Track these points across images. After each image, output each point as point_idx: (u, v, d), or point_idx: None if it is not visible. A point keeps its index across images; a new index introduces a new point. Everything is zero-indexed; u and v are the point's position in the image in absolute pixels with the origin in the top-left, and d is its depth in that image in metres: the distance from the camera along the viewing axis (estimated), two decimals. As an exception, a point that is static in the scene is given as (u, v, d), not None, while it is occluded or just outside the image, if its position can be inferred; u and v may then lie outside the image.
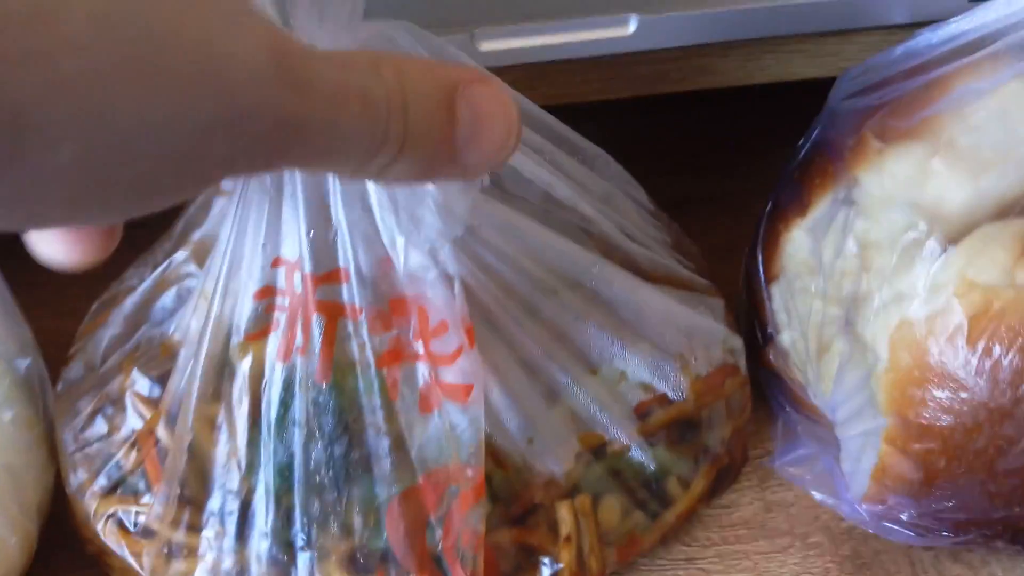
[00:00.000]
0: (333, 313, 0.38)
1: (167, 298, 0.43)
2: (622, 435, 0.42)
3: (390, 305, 0.38)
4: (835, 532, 0.45)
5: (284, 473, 0.39)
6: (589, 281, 0.42)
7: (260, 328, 0.39)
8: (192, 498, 0.40)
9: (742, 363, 0.46)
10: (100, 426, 0.42)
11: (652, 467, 0.42)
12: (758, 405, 0.50)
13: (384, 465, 0.39)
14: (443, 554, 0.38)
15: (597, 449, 0.42)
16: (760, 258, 0.46)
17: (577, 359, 0.42)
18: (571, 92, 0.50)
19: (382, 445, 0.39)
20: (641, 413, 0.43)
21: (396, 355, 0.38)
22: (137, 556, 0.40)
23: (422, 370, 0.38)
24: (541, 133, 0.43)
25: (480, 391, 0.38)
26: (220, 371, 0.39)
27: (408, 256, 0.37)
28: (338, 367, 0.38)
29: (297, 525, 0.39)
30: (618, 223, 0.45)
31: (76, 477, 0.42)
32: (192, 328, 0.40)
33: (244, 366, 0.39)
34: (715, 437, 0.45)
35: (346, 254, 0.38)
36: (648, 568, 0.44)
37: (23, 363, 0.43)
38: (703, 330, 0.45)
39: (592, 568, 0.41)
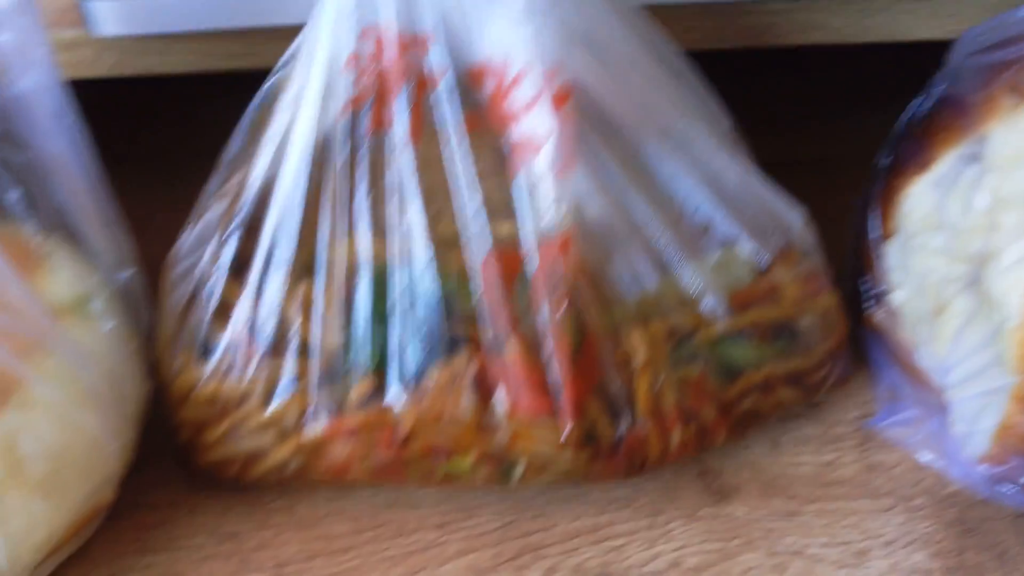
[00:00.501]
0: (420, 78, 0.40)
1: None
2: (687, 273, 0.41)
3: (472, 71, 0.39)
4: (939, 496, 0.44)
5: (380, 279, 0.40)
6: (674, 132, 0.42)
7: (354, 96, 0.40)
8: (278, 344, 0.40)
9: (818, 260, 0.45)
10: (196, 300, 0.42)
11: (740, 360, 0.42)
12: (859, 367, 0.49)
13: (473, 227, 0.39)
14: (539, 299, 0.39)
15: (686, 336, 0.42)
16: (875, 215, 0.45)
17: (660, 200, 0.42)
18: (676, 39, 0.49)
19: (472, 207, 0.39)
20: (737, 305, 0.42)
21: (477, 120, 0.40)
22: (238, 422, 0.41)
23: (505, 132, 0.39)
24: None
25: (559, 146, 0.39)
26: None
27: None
28: (427, 130, 0.39)
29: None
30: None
31: (175, 355, 0.42)
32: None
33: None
34: (809, 344, 0.44)
35: (429, 19, 0.39)
36: (748, 519, 0.43)
37: (124, 274, 0.42)
38: (781, 206, 0.44)
39: (667, 401, 0.40)
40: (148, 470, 0.43)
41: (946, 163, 0.43)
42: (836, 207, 0.50)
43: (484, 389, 0.40)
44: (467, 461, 0.40)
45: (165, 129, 0.62)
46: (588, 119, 0.40)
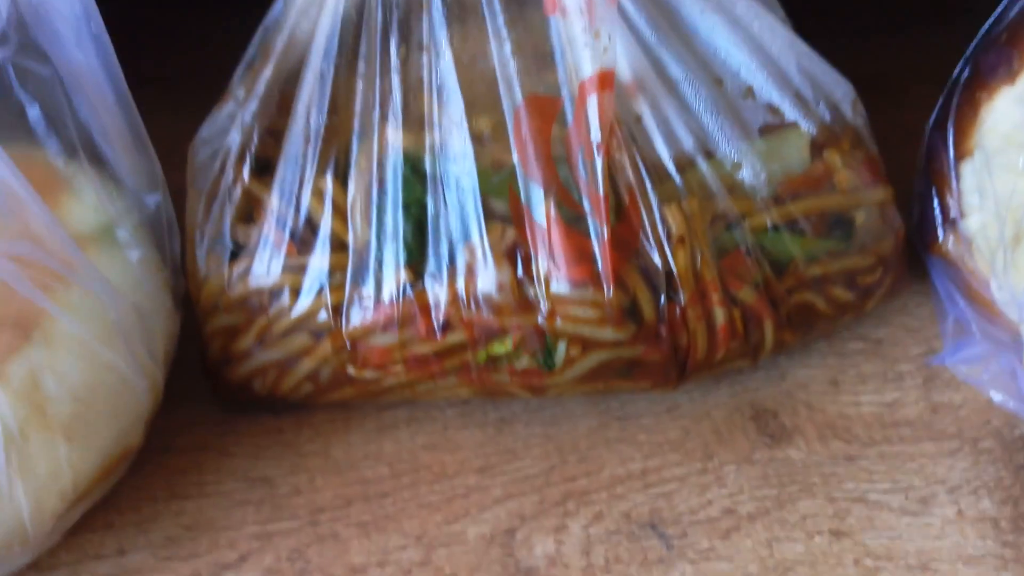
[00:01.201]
0: None
1: None
2: (733, 149, 0.40)
3: None
4: (1008, 439, 0.42)
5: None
6: None
7: None
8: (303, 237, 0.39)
9: (872, 148, 0.44)
10: (220, 195, 0.40)
11: (791, 252, 0.40)
12: (924, 301, 0.46)
13: (508, 71, 0.38)
14: (575, 149, 0.38)
15: (734, 222, 0.40)
16: (951, 132, 0.42)
17: (700, 60, 0.40)
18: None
19: (504, 52, 0.38)
20: (789, 193, 0.40)
21: None
22: (268, 324, 0.40)
23: None
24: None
25: None
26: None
27: None
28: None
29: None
30: None
31: (203, 259, 0.40)
32: None
33: None
34: (864, 243, 0.42)
35: None
36: (805, 463, 0.41)
37: (152, 199, 0.40)
38: (829, 78, 0.42)
39: (707, 277, 0.39)
40: (176, 412, 0.42)
41: (1036, 75, 0.40)
42: (894, 125, 0.47)
43: (523, 262, 0.38)
44: (507, 343, 0.39)
45: (194, 51, 0.59)
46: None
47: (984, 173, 0.41)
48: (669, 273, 0.39)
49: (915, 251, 0.46)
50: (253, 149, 0.41)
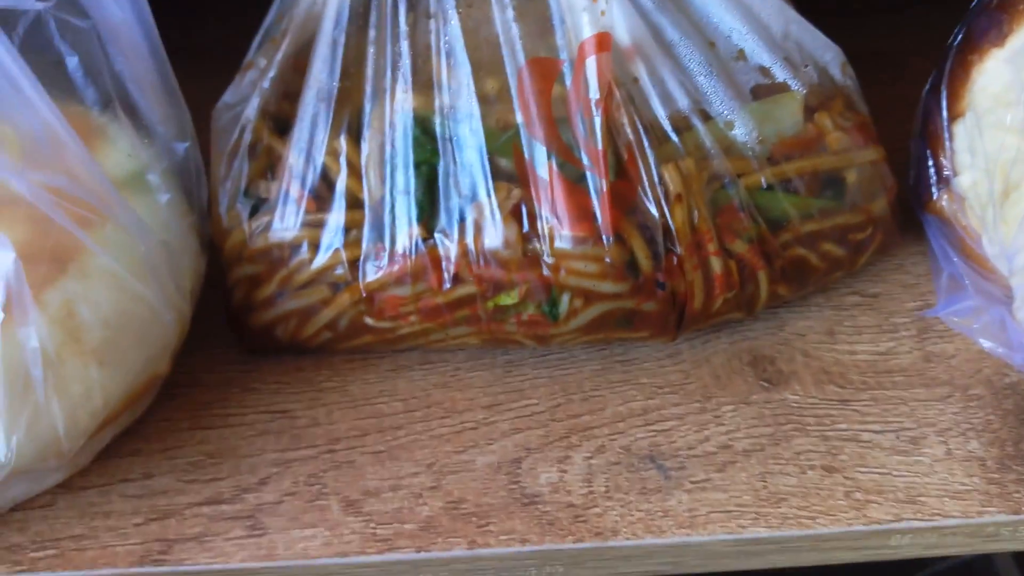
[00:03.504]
0: None
1: None
2: (728, 110, 0.41)
3: None
4: (998, 386, 0.43)
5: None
6: None
7: None
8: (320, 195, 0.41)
9: (863, 109, 0.45)
10: (243, 152, 0.42)
11: (785, 211, 0.42)
12: (920, 259, 0.48)
13: (511, 35, 0.40)
14: (575, 108, 0.39)
15: (729, 182, 0.41)
16: (944, 95, 0.44)
17: (693, 23, 0.41)
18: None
19: (507, 16, 0.39)
20: (783, 154, 0.42)
21: None
22: (288, 275, 0.41)
23: None
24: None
25: None
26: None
27: None
28: None
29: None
30: None
31: (227, 211, 0.42)
32: None
33: None
34: (856, 201, 0.43)
35: None
36: (800, 405, 0.42)
37: (181, 146, 0.42)
38: (818, 42, 0.44)
39: (702, 232, 0.40)
40: (202, 350, 0.44)
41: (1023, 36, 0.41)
42: (896, 99, 0.49)
43: (528, 219, 0.40)
44: (513, 295, 0.41)
45: (219, 22, 0.61)
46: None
47: (975, 132, 0.42)
48: (667, 227, 0.41)
49: (912, 211, 0.47)
50: (272, 109, 0.43)
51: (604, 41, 0.39)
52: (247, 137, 0.42)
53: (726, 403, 0.43)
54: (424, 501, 0.40)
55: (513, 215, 0.40)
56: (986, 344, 0.43)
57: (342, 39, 0.41)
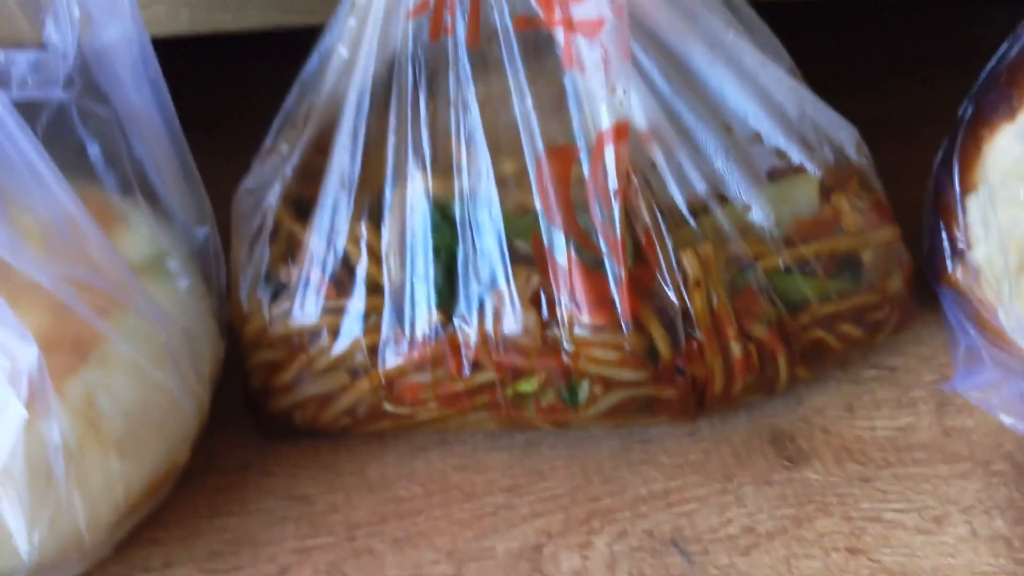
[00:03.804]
0: None
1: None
2: (745, 193, 0.42)
3: None
4: (1020, 461, 0.43)
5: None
6: (723, 45, 0.42)
7: (416, 6, 0.41)
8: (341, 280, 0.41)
9: (878, 188, 0.45)
10: (264, 238, 0.43)
11: (803, 293, 0.42)
12: (937, 330, 0.48)
13: (530, 123, 0.40)
14: (593, 196, 0.40)
15: (747, 265, 0.42)
16: (956, 168, 0.44)
17: (710, 108, 0.42)
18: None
19: (525, 106, 0.40)
20: (800, 236, 0.42)
21: (530, 19, 0.40)
22: (308, 362, 0.42)
23: (558, 31, 0.40)
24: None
25: (614, 32, 0.39)
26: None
27: None
28: (482, 35, 0.41)
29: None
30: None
31: (246, 297, 0.42)
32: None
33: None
34: (873, 281, 0.43)
35: None
36: (822, 484, 0.42)
37: (201, 232, 0.42)
38: (833, 122, 0.44)
39: (722, 317, 0.40)
40: (220, 433, 0.44)
41: (1034, 112, 0.42)
42: (908, 165, 0.49)
43: (548, 306, 0.40)
44: (533, 382, 0.41)
45: (236, 96, 0.62)
46: (631, 24, 0.40)
47: (988, 206, 0.43)
48: (686, 312, 0.41)
49: (927, 282, 0.48)
50: (293, 191, 0.43)
51: (623, 131, 0.40)
52: (269, 223, 0.43)
53: (747, 483, 0.42)
54: (446, 590, 0.39)
55: (532, 302, 0.40)
56: (1007, 420, 0.43)
57: (363, 127, 0.41)
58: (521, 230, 0.41)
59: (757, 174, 0.42)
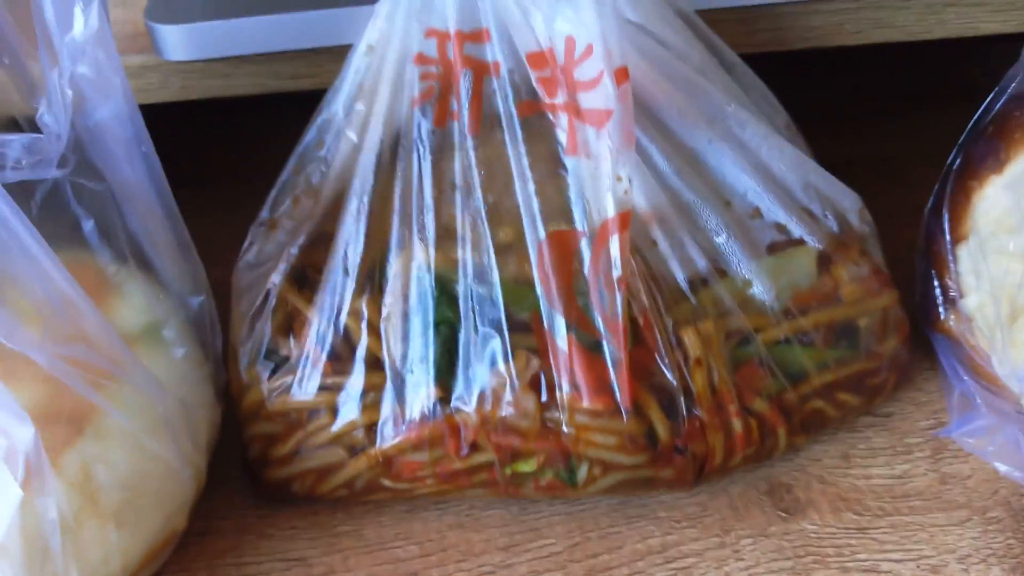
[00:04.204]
0: (479, 70, 0.41)
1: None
2: (743, 268, 0.42)
3: (529, 58, 0.41)
4: (1016, 508, 0.43)
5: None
6: (723, 119, 0.42)
7: (420, 93, 0.42)
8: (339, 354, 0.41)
9: (878, 255, 0.45)
10: (264, 313, 0.43)
11: (803, 364, 0.42)
12: (931, 376, 0.48)
13: (532, 209, 0.40)
14: (595, 282, 0.40)
15: (746, 338, 0.42)
16: (946, 218, 0.44)
17: (709, 185, 0.42)
18: (740, 43, 0.48)
19: (528, 190, 0.40)
20: (799, 307, 0.42)
21: (534, 104, 0.41)
22: (306, 437, 0.42)
23: (562, 117, 0.40)
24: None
25: (620, 123, 0.39)
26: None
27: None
28: (485, 120, 0.41)
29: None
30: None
31: (245, 369, 0.42)
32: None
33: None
34: (871, 346, 0.44)
35: (487, 14, 0.41)
36: (819, 535, 0.42)
37: (196, 300, 0.43)
38: (836, 191, 0.44)
39: (723, 393, 0.40)
40: (217, 494, 0.44)
41: (1021, 162, 0.42)
42: (899, 206, 0.49)
43: (547, 389, 0.40)
44: (532, 463, 0.41)
45: (229, 153, 0.62)
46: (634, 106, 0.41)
47: (978, 256, 0.43)
48: (687, 390, 0.41)
49: (920, 328, 0.48)
50: (295, 264, 0.43)
51: (627, 220, 0.39)
52: (271, 301, 0.43)
53: (745, 536, 0.42)
54: (445, 653, 0.39)
55: (532, 385, 0.40)
56: (1002, 468, 0.43)
57: (366, 209, 0.42)
58: (522, 301, 0.40)
59: (757, 248, 0.42)
